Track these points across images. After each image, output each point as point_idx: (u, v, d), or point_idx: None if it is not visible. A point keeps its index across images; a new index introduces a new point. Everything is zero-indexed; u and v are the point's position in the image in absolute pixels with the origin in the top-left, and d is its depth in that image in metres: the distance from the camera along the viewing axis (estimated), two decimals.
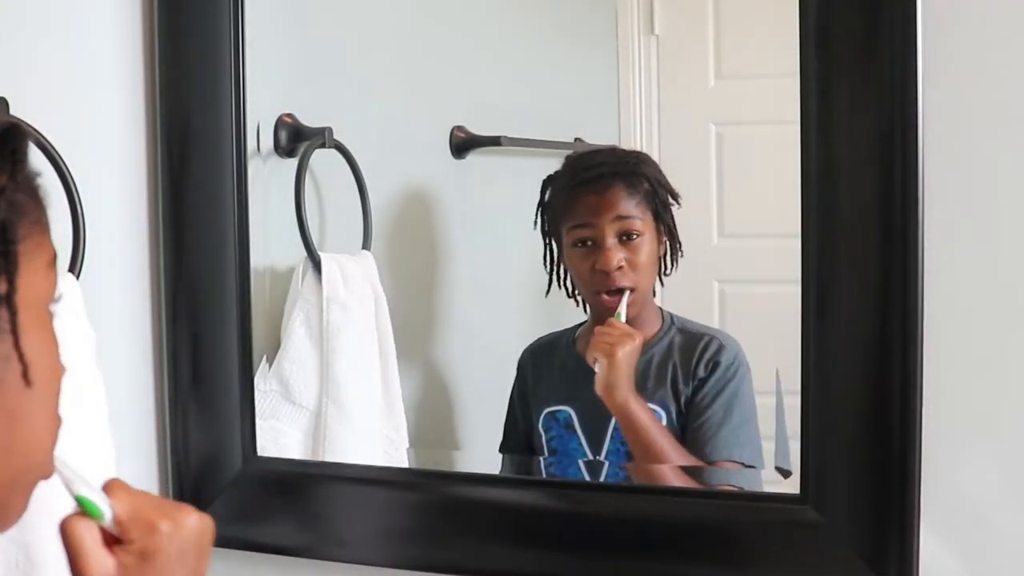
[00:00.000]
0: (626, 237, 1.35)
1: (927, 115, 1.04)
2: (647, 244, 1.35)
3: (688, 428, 1.32)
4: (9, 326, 0.71)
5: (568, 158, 1.42)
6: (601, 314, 1.36)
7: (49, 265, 0.76)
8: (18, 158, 0.72)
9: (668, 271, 1.35)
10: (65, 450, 0.79)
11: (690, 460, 1.30)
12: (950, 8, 1.04)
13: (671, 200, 1.34)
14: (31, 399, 0.74)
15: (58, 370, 0.77)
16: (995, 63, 1.05)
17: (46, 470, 0.78)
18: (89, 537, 0.79)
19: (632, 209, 1.35)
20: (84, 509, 0.80)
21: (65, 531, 0.79)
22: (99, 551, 0.79)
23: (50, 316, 0.76)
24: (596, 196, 1.36)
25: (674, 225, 1.34)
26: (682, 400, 1.32)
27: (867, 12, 1.05)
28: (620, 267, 1.35)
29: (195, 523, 0.82)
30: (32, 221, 0.73)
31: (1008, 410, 1.07)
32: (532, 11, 1.52)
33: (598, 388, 1.33)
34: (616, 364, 1.33)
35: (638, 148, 1.38)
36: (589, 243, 1.36)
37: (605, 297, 1.35)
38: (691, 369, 1.33)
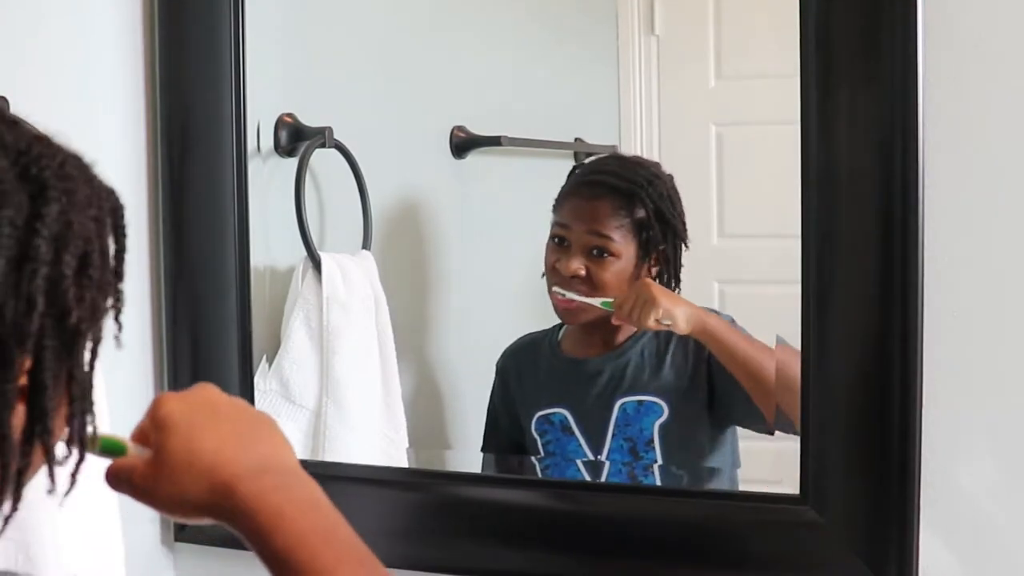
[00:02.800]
0: (596, 252, 1.35)
1: (927, 115, 1.04)
2: (619, 266, 1.34)
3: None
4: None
5: (604, 154, 1.43)
6: (555, 307, 1.38)
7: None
8: (121, 235, 0.74)
9: None
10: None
11: (766, 348, 1.26)
12: (950, 8, 1.04)
13: (676, 239, 1.33)
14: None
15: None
16: (995, 63, 1.05)
17: None
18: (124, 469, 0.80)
19: (612, 229, 1.34)
20: (110, 448, 0.81)
21: (111, 479, 0.80)
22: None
23: None
24: (582, 202, 1.37)
25: (672, 259, 1.33)
26: (698, 378, 1.32)
27: (867, 12, 1.05)
28: (577, 276, 1.35)
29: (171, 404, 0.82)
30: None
31: (1008, 410, 1.07)
32: (532, 11, 1.52)
33: (687, 328, 1.30)
34: (672, 303, 1.31)
35: (638, 148, 1.38)
36: (565, 242, 1.36)
37: (556, 294, 1.36)
38: (693, 345, 1.32)
